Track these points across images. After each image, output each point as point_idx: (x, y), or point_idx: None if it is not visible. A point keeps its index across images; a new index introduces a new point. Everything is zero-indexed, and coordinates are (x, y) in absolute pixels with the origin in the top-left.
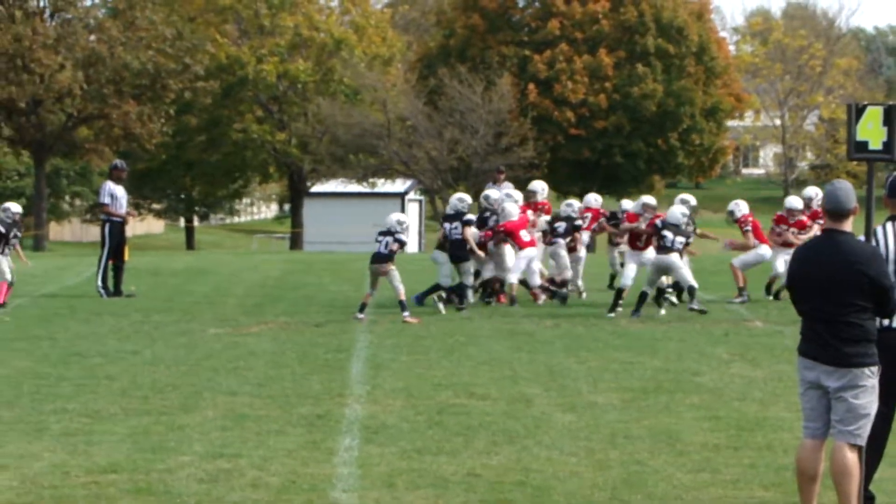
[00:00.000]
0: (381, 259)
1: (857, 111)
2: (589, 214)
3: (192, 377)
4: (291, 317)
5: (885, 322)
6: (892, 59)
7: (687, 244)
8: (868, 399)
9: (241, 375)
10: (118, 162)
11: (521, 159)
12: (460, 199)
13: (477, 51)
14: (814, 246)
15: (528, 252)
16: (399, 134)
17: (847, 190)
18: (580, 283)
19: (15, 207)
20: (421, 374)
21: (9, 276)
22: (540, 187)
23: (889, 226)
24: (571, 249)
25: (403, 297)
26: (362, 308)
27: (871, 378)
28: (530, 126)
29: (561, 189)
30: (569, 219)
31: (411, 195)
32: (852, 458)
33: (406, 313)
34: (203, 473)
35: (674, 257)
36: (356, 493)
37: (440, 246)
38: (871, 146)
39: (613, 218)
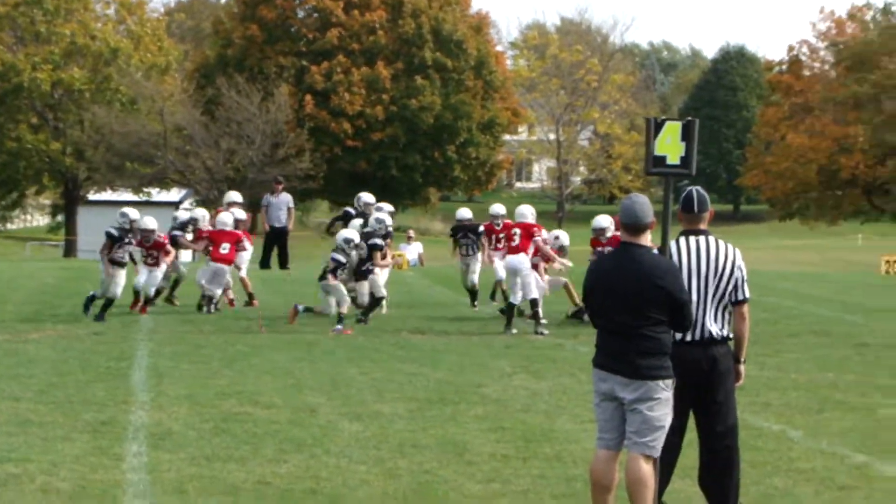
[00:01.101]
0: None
1: (655, 126)
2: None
3: None
4: (70, 324)
5: (679, 336)
6: (664, 75)
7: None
8: (663, 411)
9: (22, 382)
10: None
11: (298, 170)
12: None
13: (255, 61)
14: (611, 259)
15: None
16: (176, 143)
17: (644, 204)
18: None
19: None
20: (204, 382)
21: None
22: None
23: (682, 240)
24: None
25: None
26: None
27: (665, 391)
28: (307, 137)
29: (337, 201)
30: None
31: (185, 205)
32: (647, 470)
33: (339, 326)
34: None
35: None
36: (147, 500)
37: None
38: (670, 161)
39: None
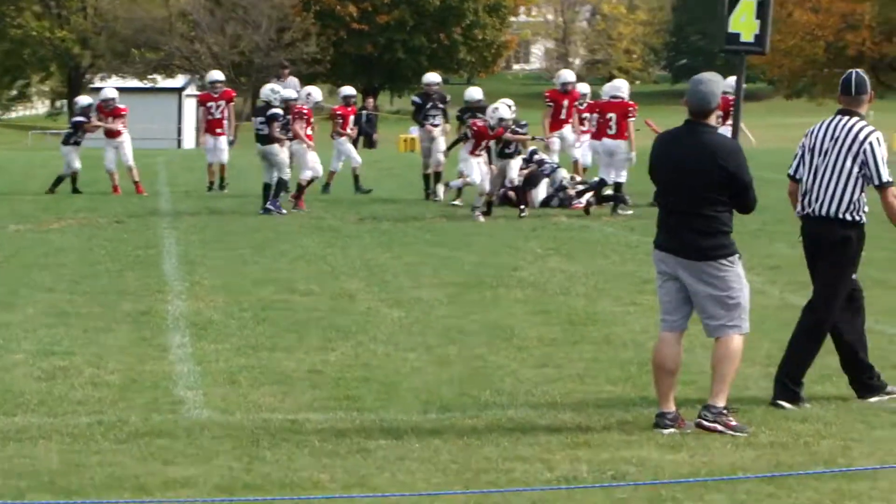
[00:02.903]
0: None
1: (730, 2)
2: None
3: (3, 274)
4: (91, 213)
5: (804, 210)
6: None
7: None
8: (732, 290)
9: (54, 272)
10: None
11: (304, 55)
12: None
13: None
14: (674, 137)
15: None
16: (181, 29)
17: (709, 92)
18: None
19: None
20: (237, 270)
21: None
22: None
23: (827, 120)
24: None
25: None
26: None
27: (730, 267)
28: (313, 21)
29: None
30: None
31: (189, 90)
32: (734, 344)
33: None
34: (39, 371)
35: None
36: (200, 391)
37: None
38: (743, 38)
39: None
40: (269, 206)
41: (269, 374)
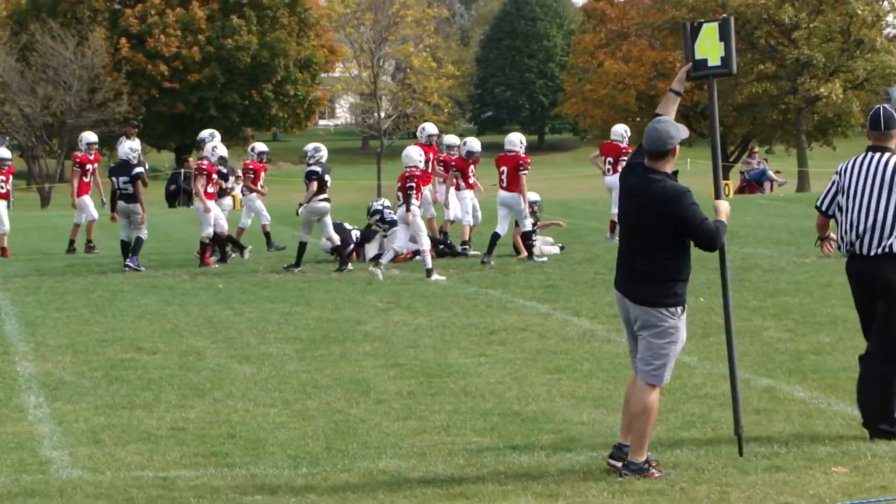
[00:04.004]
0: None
1: (692, 30)
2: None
3: None
4: None
5: (854, 249)
6: (463, 7)
7: None
8: (666, 340)
9: None
10: None
11: (117, 114)
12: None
13: (68, 6)
14: (631, 183)
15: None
16: None
17: (664, 131)
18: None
19: None
20: (80, 329)
21: None
22: None
23: (860, 157)
24: None
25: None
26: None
27: (669, 319)
28: (124, 80)
29: (157, 144)
30: None
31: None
32: (650, 398)
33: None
34: None
35: None
36: (66, 451)
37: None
38: (711, 63)
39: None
40: (128, 263)
41: (132, 433)
